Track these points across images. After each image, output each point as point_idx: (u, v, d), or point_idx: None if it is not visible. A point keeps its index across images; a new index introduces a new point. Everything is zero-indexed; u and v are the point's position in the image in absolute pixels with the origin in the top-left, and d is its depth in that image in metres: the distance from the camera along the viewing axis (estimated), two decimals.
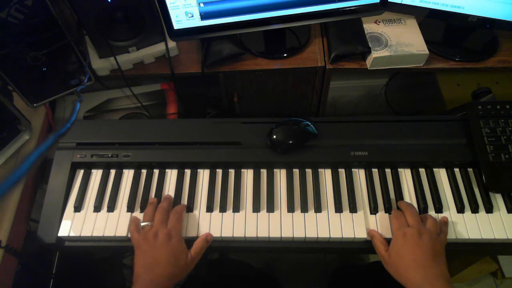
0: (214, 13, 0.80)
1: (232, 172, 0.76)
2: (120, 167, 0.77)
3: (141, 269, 0.63)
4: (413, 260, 0.60)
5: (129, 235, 0.69)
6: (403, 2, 0.86)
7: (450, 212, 0.70)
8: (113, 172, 0.77)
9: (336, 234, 0.69)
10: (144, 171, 0.77)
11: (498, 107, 0.76)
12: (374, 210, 0.71)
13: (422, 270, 0.59)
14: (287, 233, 0.69)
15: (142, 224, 0.68)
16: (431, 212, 0.70)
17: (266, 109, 1.18)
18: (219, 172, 0.76)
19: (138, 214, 0.72)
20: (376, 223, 0.70)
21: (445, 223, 0.68)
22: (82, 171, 0.77)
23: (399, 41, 0.88)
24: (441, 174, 0.75)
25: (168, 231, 0.66)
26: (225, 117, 1.05)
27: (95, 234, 0.70)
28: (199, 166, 0.77)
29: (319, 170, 0.76)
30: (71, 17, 0.89)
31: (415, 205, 0.71)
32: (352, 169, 0.76)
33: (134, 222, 0.69)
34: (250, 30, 0.85)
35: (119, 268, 1.31)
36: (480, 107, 0.76)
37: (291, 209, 0.71)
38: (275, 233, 0.69)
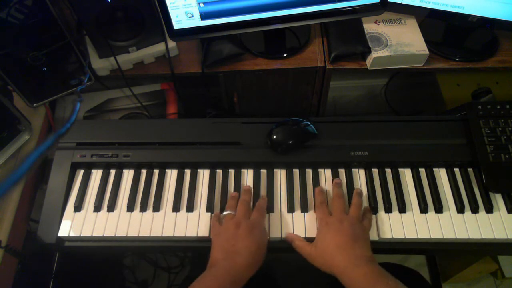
0: (214, 13, 0.80)
1: (232, 172, 0.76)
2: (120, 167, 0.77)
3: (221, 255, 0.62)
4: (336, 246, 0.62)
5: (130, 234, 0.69)
6: (403, 2, 0.86)
7: (450, 212, 0.70)
8: (113, 172, 0.77)
9: None
10: (144, 171, 0.77)
11: (498, 107, 0.76)
12: (374, 210, 0.71)
13: (345, 253, 0.61)
14: (286, 234, 0.69)
15: (225, 213, 0.69)
16: (431, 212, 0.70)
17: (266, 109, 1.18)
18: (219, 172, 0.76)
19: (137, 213, 0.72)
20: (376, 223, 0.69)
21: (368, 210, 0.70)
22: (82, 171, 0.77)
23: (399, 41, 0.88)
24: (441, 174, 0.75)
25: (251, 223, 0.66)
26: (225, 117, 1.04)
27: (95, 234, 0.70)
28: (199, 166, 0.77)
29: (319, 170, 0.76)
30: (71, 17, 0.89)
31: (416, 205, 0.71)
32: (352, 169, 0.76)
33: (216, 215, 0.70)
34: (250, 30, 0.85)
35: (119, 268, 1.31)
36: (480, 107, 0.76)
37: (291, 209, 0.71)
38: (275, 233, 0.69)
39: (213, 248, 0.65)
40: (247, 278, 0.62)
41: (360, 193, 0.72)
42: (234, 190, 0.74)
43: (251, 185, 0.75)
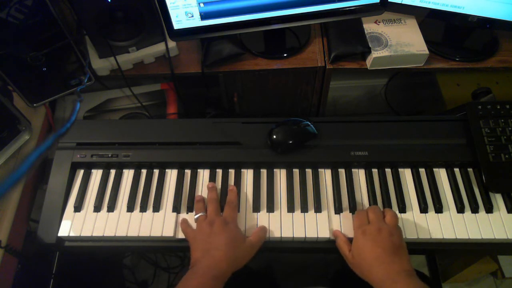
0: (214, 13, 0.80)
1: (232, 172, 0.76)
2: (120, 167, 0.77)
3: (199, 254, 0.63)
4: (374, 258, 0.61)
5: (130, 234, 0.69)
6: (403, 2, 0.86)
7: (450, 212, 0.70)
8: (113, 172, 0.77)
9: None
10: (144, 171, 0.77)
11: (498, 107, 0.76)
12: None
13: (383, 267, 0.60)
14: (287, 233, 0.69)
15: (195, 216, 0.69)
16: (431, 212, 0.70)
17: (266, 109, 1.18)
18: (219, 172, 0.76)
19: (137, 213, 0.72)
20: None
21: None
22: (82, 171, 0.77)
23: (399, 41, 0.88)
24: (441, 174, 0.75)
25: (224, 218, 0.67)
26: (225, 117, 1.05)
27: (95, 234, 0.70)
28: (199, 166, 0.77)
29: (319, 170, 0.76)
30: (71, 17, 0.89)
31: (416, 205, 0.71)
32: (352, 169, 0.76)
33: (183, 221, 0.70)
34: (250, 30, 0.85)
35: (119, 268, 1.31)
36: (480, 107, 0.76)
37: (291, 209, 0.71)
38: (275, 233, 0.69)
39: (192, 250, 0.65)
40: (230, 271, 0.62)
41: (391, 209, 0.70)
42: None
43: (251, 185, 0.75)
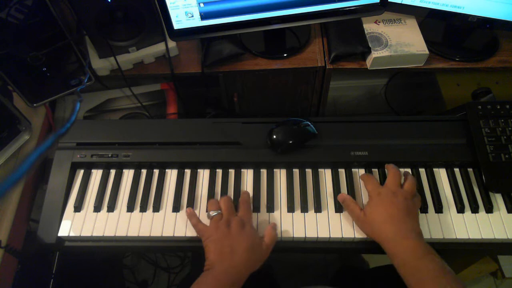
0: (214, 13, 0.80)
1: (232, 172, 0.76)
2: (120, 167, 0.77)
3: (217, 257, 0.62)
4: (388, 216, 0.63)
5: (130, 234, 0.69)
6: (403, 2, 0.86)
7: (450, 212, 0.70)
8: (113, 172, 0.77)
9: (336, 234, 0.69)
10: (144, 171, 0.77)
11: (498, 107, 0.76)
12: None
13: (396, 224, 0.63)
14: (287, 233, 0.69)
15: (211, 213, 0.67)
16: (431, 212, 0.70)
17: (266, 109, 1.18)
18: (219, 172, 0.76)
19: (137, 213, 0.72)
20: None
21: (417, 192, 0.70)
22: (82, 171, 0.77)
23: (399, 41, 0.88)
24: (441, 174, 0.75)
25: (240, 219, 0.66)
26: (225, 117, 1.05)
27: (95, 234, 0.70)
28: (199, 166, 0.77)
29: (319, 170, 0.76)
30: (71, 17, 0.89)
31: None
32: (352, 169, 0.76)
33: (191, 215, 0.69)
34: (250, 30, 0.85)
35: (119, 268, 1.31)
36: (480, 107, 0.76)
37: (291, 209, 0.71)
38: None
39: (207, 251, 0.64)
40: (247, 275, 0.61)
41: (413, 176, 0.71)
42: (234, 190, 0.74)
43: (251, 185, 0.75)
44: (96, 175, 0.77)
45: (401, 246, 0.60)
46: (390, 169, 0.71)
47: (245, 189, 0.74)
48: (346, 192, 0.73)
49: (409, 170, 0.75)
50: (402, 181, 0.69)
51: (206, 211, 0.70)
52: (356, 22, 0.92)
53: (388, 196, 0.65)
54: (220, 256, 0.62)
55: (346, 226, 0.69)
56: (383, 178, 0.74)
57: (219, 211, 0.68)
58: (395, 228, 0.62)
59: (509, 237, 0.67)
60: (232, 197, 0.73)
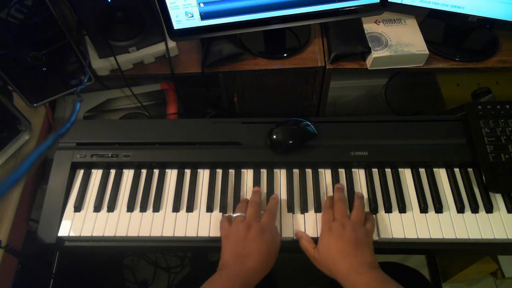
0: (214, 13, 0.80)
1: (232, 172, 0.76)
2: (120, 167, 0.77)
3: (231, 258, 0.62)
4: (338, 252, 0.62)
5: (130, 234, 0.69)
6: (403, 2, 0.86)
7: (450, 212, 0.70)
8: (113, 172, 0.77)
9: None
10: (144, 171, 0.77)
11: (498, 107, 0.76)
12: (374, 210, 0.71)
13: (347, 259, 0.61)
14: (287, 233, 0.69)
15: (235, 214, 0.68)
16: (431, 212, 0.70)
17: (266, 109, 1.18)
18: (219, 172, 0.76)
19: (137, 213, 0.72)
20: (376, 223, 0.69)
21: (369, 212, 0.70)
22: (82, 171, 0.77)
23: (399, 41, 0.88)
24: (441, 174, 0.75)
25: (262, 225, 0.65)
26: (225, 117, 1.05)
27: (95, 234, 0.70)
28: (199, 166, 0.77)
29: (319, 170, 0.76)
30: (71, 17, 0.89)
31: (416, 205, 0.71)
32: (352, 169, 0.76)
33: (226, 216, 0.70)
34: (250, 30, 0.85)
35: (119, 268, 1.31)
36: (480, 107, 0.76)
37: (291, 209, 0.71)
38: None
39: (223, 250, 0.64)
40: (258, 280, 0.62)
41: (361, 196, 0.71)
42: (235, 190, 0.74)
43: (251, 185, 0.75)
44: (96, 175, 0.77)
45: (356, 281, 0.59)
46: (335, 201, 0.69)
47: (245, 189, 0.74)
48: (346, 192, 0.73)
49: (409, 170, 0.75)
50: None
51: (233, 212, 0.71)
52: (356, 22, 0.92)
53: (338, 230, 0.64)
54: (234, 258, 0.62)
55: None
56: (382, 179, 0.74)
57: (243, 214, 0.68)
58: (347, 263, 0.60)
59: (509, 237, 0.67)
60: (232, 197, 0.73)
